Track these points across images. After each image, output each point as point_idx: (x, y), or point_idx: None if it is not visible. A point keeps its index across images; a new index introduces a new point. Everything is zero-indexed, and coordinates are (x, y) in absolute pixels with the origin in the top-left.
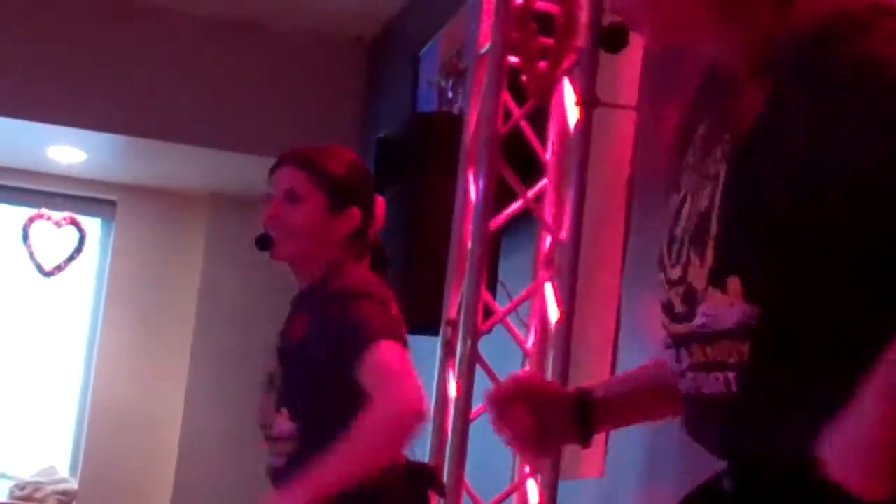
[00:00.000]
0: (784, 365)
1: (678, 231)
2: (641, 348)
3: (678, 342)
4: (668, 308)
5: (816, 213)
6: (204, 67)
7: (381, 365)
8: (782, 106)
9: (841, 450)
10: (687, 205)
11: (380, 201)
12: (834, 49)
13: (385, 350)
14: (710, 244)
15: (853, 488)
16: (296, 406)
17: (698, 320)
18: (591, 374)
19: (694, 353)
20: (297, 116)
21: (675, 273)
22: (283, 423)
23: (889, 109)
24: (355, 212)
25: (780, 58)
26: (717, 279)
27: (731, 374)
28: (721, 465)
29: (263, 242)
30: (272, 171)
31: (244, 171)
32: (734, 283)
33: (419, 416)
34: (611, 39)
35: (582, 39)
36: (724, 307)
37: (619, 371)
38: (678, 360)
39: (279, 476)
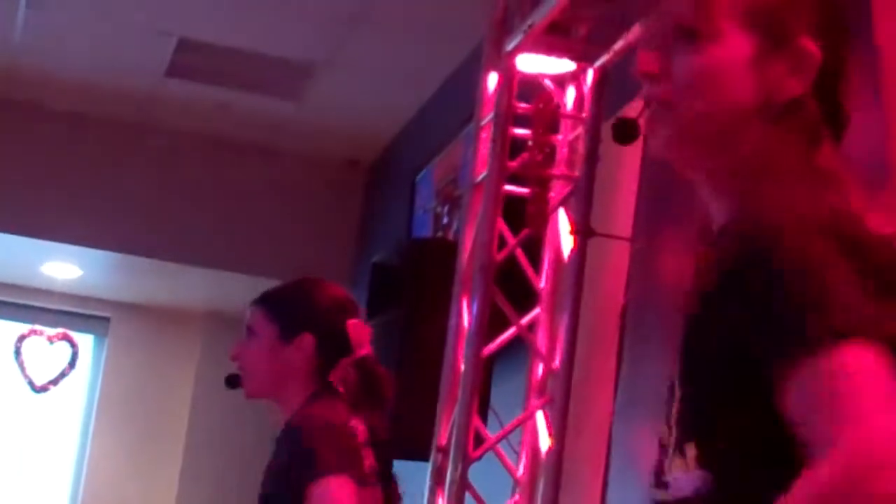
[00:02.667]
0: None
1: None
2: (631, 481)
3: None
4: (654, 476)
5: (737, 387)
6: (200, 187)
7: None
8: (718, 290)
9: None
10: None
11: (355, 325)
12: (756, 250)
13: (334, 486)
14: (674, 409)
15: None
16: None
17: (669, 488)
18: (582, 502)
19: None
20: (293, 238)
21: (668, 439)
22: None
23: (763, 316)
24: (307, 338)
25: (748, 238)
26: (678, 446)
27: None
28: None
29: (232, 381)
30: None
31: (239, 292)
32: (690, 449)
33: None
34: (623, 132)
35: (578, 169)
36: (683, 474)
37: (610, 502)
38: None
39: None
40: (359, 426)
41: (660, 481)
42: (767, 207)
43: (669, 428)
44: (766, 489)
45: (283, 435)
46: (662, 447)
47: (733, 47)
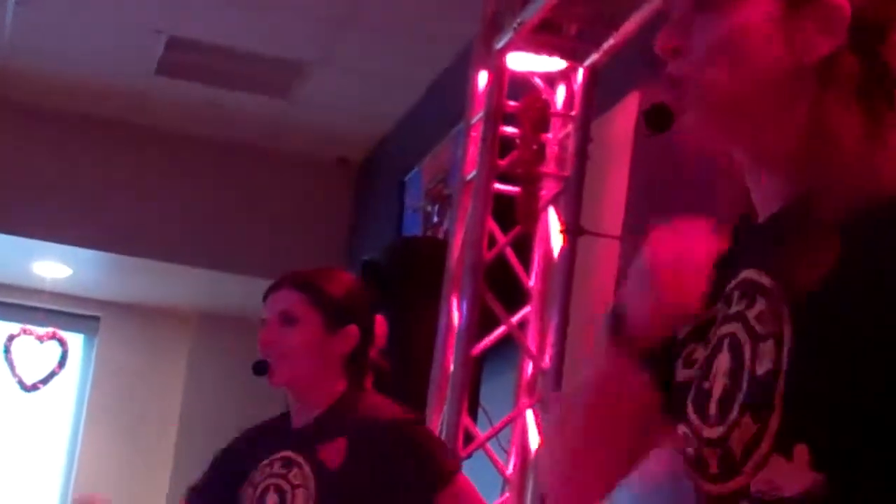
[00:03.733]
0: None
1: (714, 386)
2: (624, 482)
3: (713, 499)
4: (700, 466)
5: (885, 384)
6: (192, 187)
7: (469, 498)
8: (860, 267)
9: None
10: (725, 360)
11: (380, 321)
12: None
13: (465, 483)
14: (777, 409)
15: None
16: None
17: (757, 485)
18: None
19: None
20: (284, 237)
21: (713, 432)
22: None
23: None
24: (353, 330)
25: (855, 214)
26: (782, 446)
27: None
28: None
29: (260, 368)
30: (267, 294)
31: (229, 291)
32: (801, 450)
33: None
34: (656, 119)
35: (568, 168)
36: (787, 474)
37: None
38: None
39: None
40: None
41: (708, 475)
42: (882, 178)
43: (706, 418)
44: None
45: (359, 435)
46: (705, 442)
47: (755, 8)
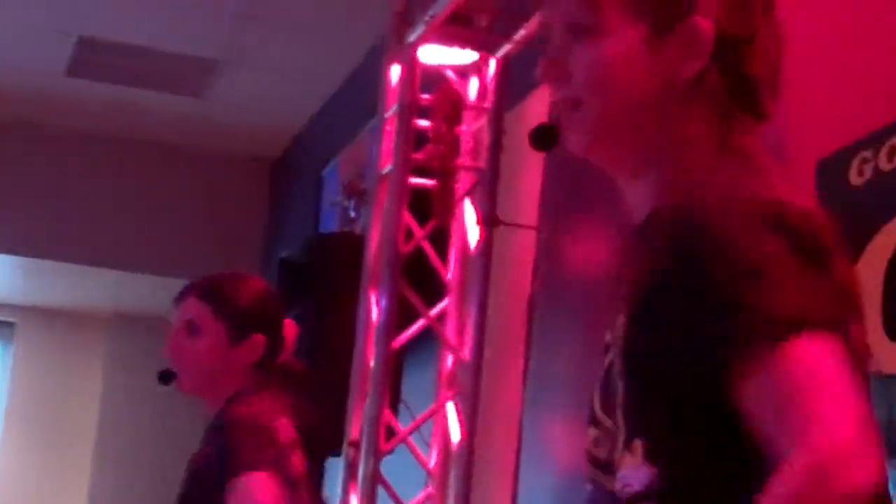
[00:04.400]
0: None
1: (598, 394)
2: (543, 470)
3: (608, 501)
4: (604, 465)
5: (684, 379)
6: (106, 188)
7: (248, 498)
8: (652, 288)
9: None
10: (607, 368)
11: (289, 325)
12: (693, 238)
13: (254, 482)
14: (619, 408)
15: None
16: None
17: (617, 484)
18: (492, 495)
19: None
20: (200, 236)
21: (595, 434)
22: None
23: (710, 310)
24: (259, 339)
25: (649, 235)
26: (627, 443)
27: None
28: None
29: (165, 377)
30: (175, 302)
31: (146, 292)
32: (637, 445)
33: None
34: (541, 139)
35: (482, 160)
36: (633, 470)
37: (521, 492)
38: None
39: None
40: (286, 425)
41: (610, 471)
42: (699, 198)
43: (614, 420)
44: (716, 484)
45: (210, 428)
46: (611, 437)
47: (624, 38)
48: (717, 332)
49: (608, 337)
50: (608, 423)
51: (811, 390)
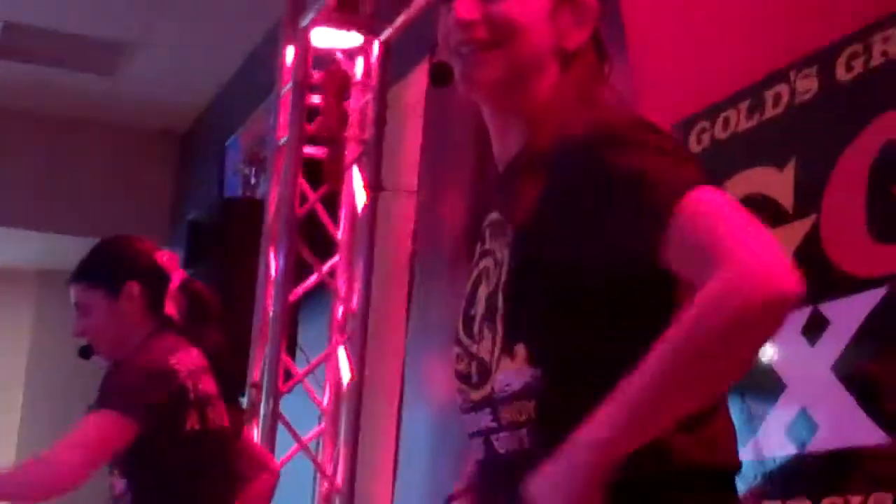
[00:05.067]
0: (563, 419)
1: (473, 311)
2: (423, 403)
3: (475, 407)
4: (465, 377)
5: (577, 287)
6: (30, 160)
7: (76, 435)
8: (551, 201)
9: (542, 483)
10: (482, 287)
11: (162, 255)
12: (591, 154)
13: (98, 420)
14: (499, 318)
15: None
16: (121, 467)
17: (495, 386)
18: (379, 429)
19: (491, 416)
20: (115, 203)
21: (474, 348)
22: (117, 485)
23: (619, 199)
24: (133, 286)
25: (552, 157)
26: (506, 348)
27: (523, 431)
28: None
29: (85, 352)
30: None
31: (67, 251)
32: (520, 349)
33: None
34: (438, 76)
35: (368, 132)
36: (513, 372)
37: (405, 424)
38: (474, 423)
39: None
40: (184, 358)
41: (483, 379)
42: (588, 124)
43: (490, 330)
44: (598, 375)
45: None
46: (470, 356)
47: (536, 2)
48: (645, 211)
49: (474, 266)
50: (466, 340)
51: (727, 220)
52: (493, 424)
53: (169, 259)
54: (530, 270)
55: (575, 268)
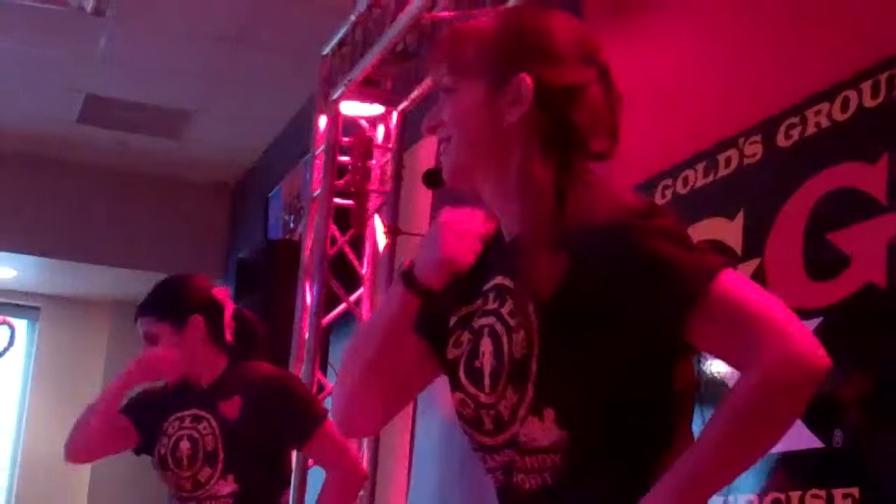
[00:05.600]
0: (585, 476)
1: (483, 366)
2: (434, 414)
3: (485, 449)
4: (476, 423)
5: (606, 363)
6: (106, 205)
7: (335, 439)
8: (582, 276)
9: None
10: (489, 346)
11: (217, 291)
12: (619, 238)
13: (332, 427)
14: (531, 383)
15: None
16: (240, 471)
17: (518, 438)
18: (396, 433)
19: (509, 456)
20: (179, 242)
21: (487, 399)
22: (225, 487)
23: (653, 282)
24: (197, 319)
25: (575, 238)
26: (535, 410)
27: (546, 475)
28: None
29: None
30: (136, 320)
31: (139, 285)
32: (549, 413)
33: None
34: (430, 179)
35: (388, 185)
36: (540, 431)
37: (418, 430)
38: (490, 460)
39: None
40: None
41: (482, 430)
42: (600, 208)
43: (482, 388)
44: (618, 440)
45: (248, 390)
46: (480, 405)
47: (470, 93)
48: (671, 294)
49: (471, 319)
50: (472, 390)
51: (760, 304)
52: (517, 465)
53: (221, 293)
54: (562, 345)
55: (605, 345)
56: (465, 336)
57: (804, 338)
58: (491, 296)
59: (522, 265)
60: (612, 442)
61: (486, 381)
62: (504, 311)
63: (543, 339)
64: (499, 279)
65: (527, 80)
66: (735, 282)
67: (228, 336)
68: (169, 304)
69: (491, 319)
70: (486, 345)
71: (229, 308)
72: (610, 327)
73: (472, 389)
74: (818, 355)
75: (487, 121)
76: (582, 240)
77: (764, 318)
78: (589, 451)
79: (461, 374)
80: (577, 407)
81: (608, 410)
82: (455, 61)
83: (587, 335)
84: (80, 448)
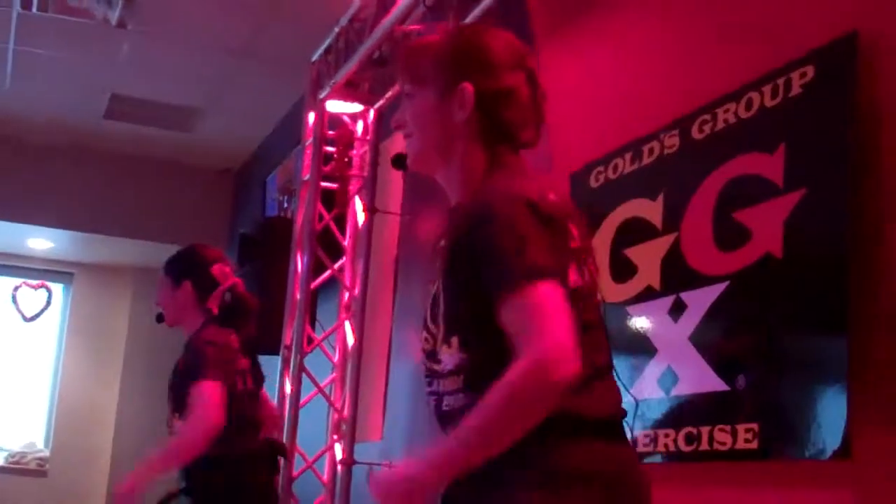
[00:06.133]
0: (479, 388)
1: (427, 308)
2: (405, 362)
3: (431, 376)
4: (427, 354)
5: (472, 303)
6: (132, 189)
7: (201, 395)
8: (458, 241)
9: (384, 483)
10: (431, 293)
11: (217, 268)
12: (482, 215)
13: (204, 387)
14: (440, 317)
15: None
16: (180, 409)
17: (440, 365)
18: (374, 378)
19: (438, 384)
20: (190, 219)
21: (426, 334)
22: (176, 424)
23: (485, 260)
24: (187, 284)
25: (468, 210)
26: (445, 339)
27: (457, 396)
28: None
29: (159, 318)
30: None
31: (156, 254)
32: (454, 340)
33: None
34: (398, 163)
35: (366, 171)
36: (449, 356)
37: (392, 374)
38: (430, 386)
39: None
40: (234, 340)
41: (435, 358)
42: (482, 192)
43: (437, 326)
44: (497, 365)
45: (186, 347)
46: (434, 337)
47: (425, 98)
48: (493, 277)
49: (434, 278)
50: (432, 328)
51: (540, 316)
52: (438, 391)
53: (222, 270)
54: (451, 289)
55: (469, 296)
56: (432, 289)
57: (558, 352)
58: (436, 255)
59: (443, 233)
60: (492, 362)
61: (427, 322)
62: (438, 266)
63: (445, 287)
64: (440, 242)
65: (468, 88)
66: (533, 293)
67: (213, 307)
68: (173, 266)
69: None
70: (431, 293)
71: (227, 283)
72: (467, 288)
73: (421, 328)
74: (562, 368)
75: (438, 121)
76: (468, 211)
77: (538, 330)
78: (475, 372)
79: (427, 315)
80: (469, 334)
81: (486, 341)
82: (412, 71)
83: (465, 286)
84: None
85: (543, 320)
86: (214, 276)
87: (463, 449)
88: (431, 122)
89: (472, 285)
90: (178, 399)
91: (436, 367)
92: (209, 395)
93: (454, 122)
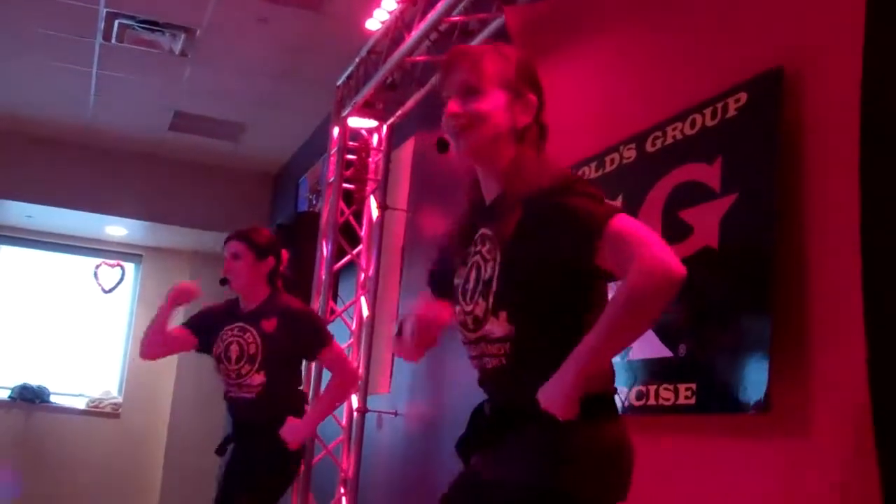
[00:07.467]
0: (526, 357)
1: (469, 286)
2: None
3: (470, 342)
4: (464, 325)
5: (539, 280)
6: (189, 189)
7: (338, 354)
8: (525, 225)
9: (549, 393)
10: (473, 273)
11: (284, 253)
12: (551, 199)
13: (335, 346)
14: (492, 295)
15: (556, 414)
16: (269, 369)
17: (484, 332)
18: (383, 344)
19: (481, 347)
20: (236, 212)
21: (468, 307)
22: (257, 378)
23: (574, 223)
24: (271, 259)
25: (525, 200)
26: (494, 313)
27: (503, 359)
28: (483, 397)
29: (224, 281)
30: (226, 242)
31: (209, 240)
32: (503, 314)
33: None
34: (442, 146)
35: (380, 175)
36: (496, 326)
37: None
38: (471, 350)
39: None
40: None
41: (480, 327)
42: (543, 177)
43: (467, 301)
44: (549, 334)
45: (281, 314)
46: (466, 313)
47: (496, 99)
48: (584, 227)
49: (468, 258)
50: (463, 303)
51: (637, 234)
52: (483, 353)
53: (286, 255)
54: (511, 269)
55: (539, 269)
56: (463, 270)
57: (664, 255)
58: (478, 241)
59: (495, 218)
60: (542, 334)
61: (468, 296)
62: (484, 249)
63: (501, 266)
64: (483, 230)
65: (533, 98)
66: (624, 220)
67: (280, 282)
68: (259, 242)
69: (477, 257)
70: (471, 273)
71: (283, 265)
72: (542, 257)
73: (461, 302)
74: (673, 266)
75: (507, 120)
76: (532, 198)
77: (637, 243)
78: (527, 340)
79: (458, 294)
80: (521, 310)
81: (540, 313)
82: (486, 72)
83: (528, 263)
84: (144, 350)
85: (641, 236)
86: (283, 256)
87: (592, 353)
88: (502, 120)
89: (544, 251)
90: (269, 359)
91: (477, 334)
92: (344, 354)
93: (517, 123)
